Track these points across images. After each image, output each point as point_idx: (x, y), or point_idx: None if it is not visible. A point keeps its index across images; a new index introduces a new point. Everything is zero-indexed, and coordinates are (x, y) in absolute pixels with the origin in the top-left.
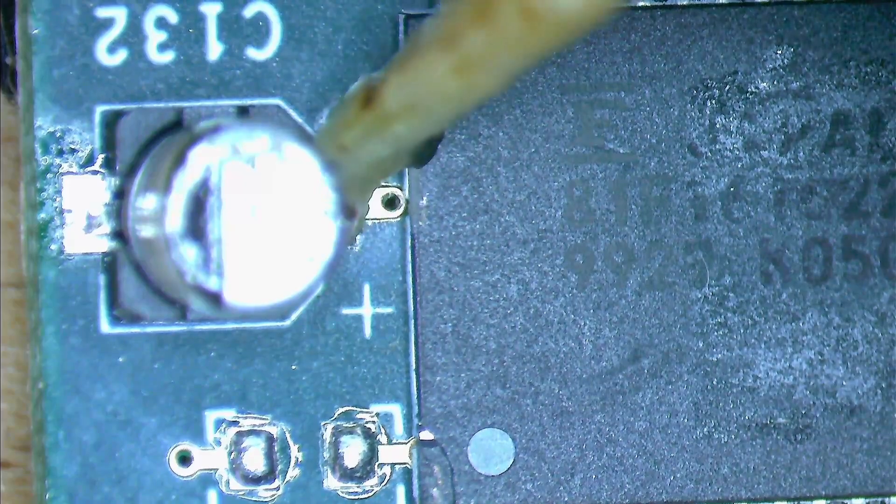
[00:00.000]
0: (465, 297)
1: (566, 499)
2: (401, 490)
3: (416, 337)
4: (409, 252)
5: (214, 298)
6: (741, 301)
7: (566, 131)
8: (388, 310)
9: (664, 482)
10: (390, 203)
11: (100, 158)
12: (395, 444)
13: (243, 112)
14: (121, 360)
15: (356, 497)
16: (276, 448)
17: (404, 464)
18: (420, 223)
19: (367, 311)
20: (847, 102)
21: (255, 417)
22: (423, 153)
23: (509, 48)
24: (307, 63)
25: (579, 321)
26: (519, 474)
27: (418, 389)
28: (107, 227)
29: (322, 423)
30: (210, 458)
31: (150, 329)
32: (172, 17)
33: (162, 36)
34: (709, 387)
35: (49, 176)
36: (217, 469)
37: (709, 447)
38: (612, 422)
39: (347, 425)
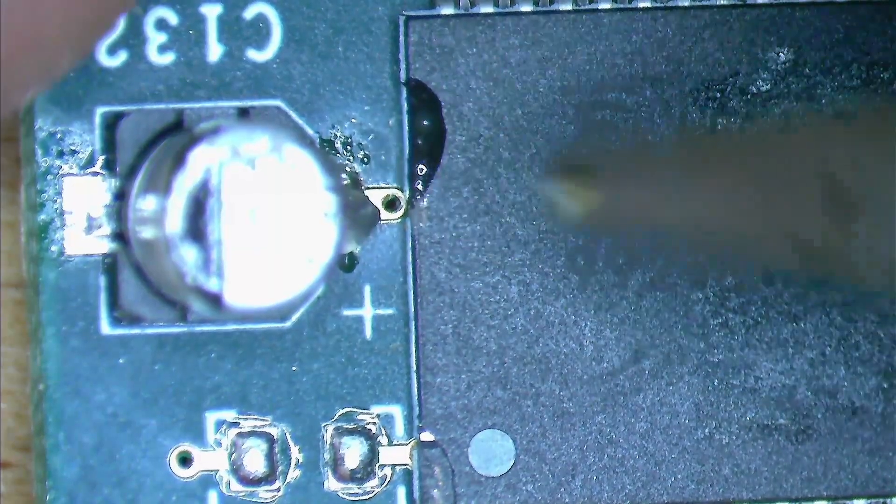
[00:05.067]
0: (466, 299)
1: (567, 500)
2: (401, 491)
3: (416, 338)
4: (409, 253)
5: (214, 300)
6: (742, 301)
7: (567, 133)
8: (389, 311)
9: (665, 483)
10: (391, 204)
11: (100, 160)
12: (396, 445)
13: (243, 113)
14: (121, 361)
15: (357, 498)
16: (276, 449)
17: (405, 465)
18: (421, 224)
19: (367, 312)
20: (848, 103)
21: (255, 419)
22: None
23: None
24: (307, 64)
25: (580, 322)
26: (519, 475)
27: (419, 391)
28: (107, 229)
29: (322, 425)
30: (211, 459)
31: (150, 330)
32: (173, 18)
33: (162, 37)
34: (710, 388)
35: (49, 177)
36: (218, 470)
37: (710, 448)
38: (613, 423)
39: (348, 426)
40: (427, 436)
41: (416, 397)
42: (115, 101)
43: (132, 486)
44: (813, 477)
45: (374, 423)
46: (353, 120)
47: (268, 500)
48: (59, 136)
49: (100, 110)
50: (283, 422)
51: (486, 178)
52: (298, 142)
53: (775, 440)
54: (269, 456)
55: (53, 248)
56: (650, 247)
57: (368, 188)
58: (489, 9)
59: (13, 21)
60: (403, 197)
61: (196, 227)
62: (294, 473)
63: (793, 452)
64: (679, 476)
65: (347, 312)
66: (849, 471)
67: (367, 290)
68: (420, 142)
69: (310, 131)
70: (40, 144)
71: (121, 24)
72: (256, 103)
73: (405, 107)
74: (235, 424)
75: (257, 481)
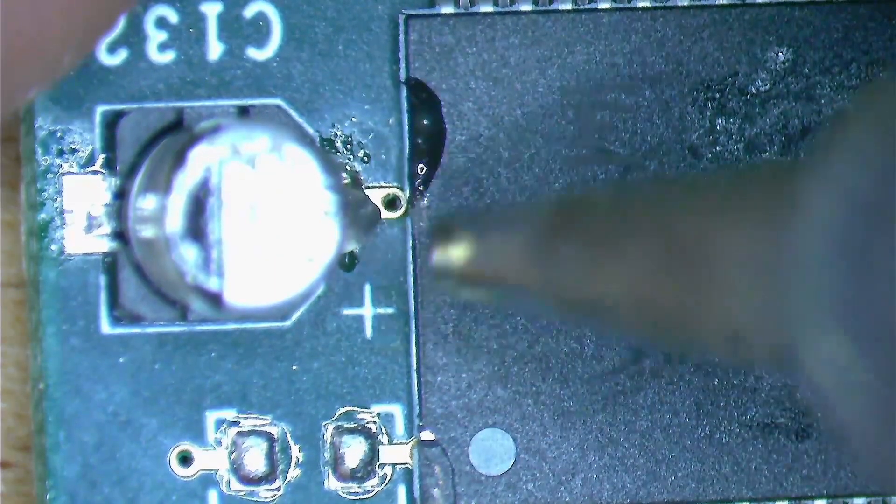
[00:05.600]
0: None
1: (567, 499)
2: (401, 490)
3: (416, 337)
4: (410, 252)
5: (215, 299)
6: None
7: (567, 133)
8: (389, 310)
9: (666, 482)
10: (391, 204)
11: (100, 159)
12: (396, 444)
13: (243, 112)
14: (121, 360)
15: (357, 497)
16: (276, 448)
17: (405, 464)
18: (421, 224)
19: (367, 311)
20: (848, 104)
21: (255, 418)
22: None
23: None
24: (307, 63)
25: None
26: (520, 474)
27: (419, 390)
28: (107, 228)
29: (323, 424)
30: (211, 458)
31: (150, 329)
32: (173, 16)
33: (162, 36)
34: (710, 386)
35: (49, 176)
36: (218, 469)
37: (710, 447)
38: (614, 422)
39: (348, 425)
40: (427, 435)
41: (417, 396)
42: (116, 99)
43: (132, 485)
44: (813, 475)
45: (375, 422)
46: (353, 119)
47: (268, 499)
48: (59, 134)
49: (100, 109)
50: (284, 421)
51: (486, 178)
52: (298, 141)
53: (775, 439)
54: (270, 455)
55: (53, 247)
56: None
57: (369, 187)
58: (489, 8)
59: (14, 22)
60: (403, 196)
61: (196, 227)
62: (294, 472)
63: (793, 451)
64: (679, 475)
65: (348, 312)
66: (849, 469)
67: (367, 289)
68: (420, 141)
69: (310, 130)
70: (40, 143)
71: (121, 23)
72: (256, 102)
73: (405, 106)
74: (235, 423)
75: (257, 480)
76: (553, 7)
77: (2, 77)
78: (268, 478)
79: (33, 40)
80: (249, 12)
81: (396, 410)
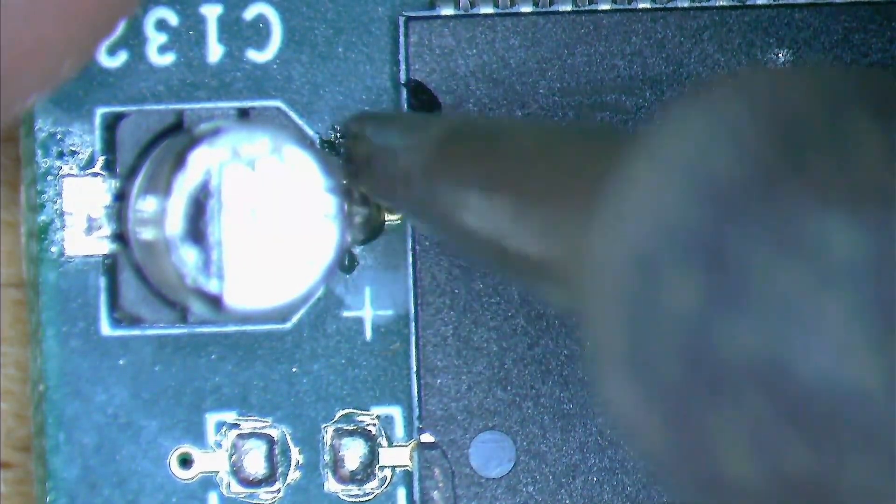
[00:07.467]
0: (467, 300)
1: (567, 501)
2: (401, 493)
3: (416, 339)
4: (410, 254)
5: (215, 301)
6: None
7: None
8: (389, 312)
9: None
10: None
11: (100, 161)
12: (396, 446)
13: (244, 114)
14: (121, 362)
15: (357, 499)
16: (276, 451)
17: (405, 466)
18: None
19: (367, 313)
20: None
21: (255, 420)
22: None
23: None
24: (308, 65)
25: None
26: (520, 477)
27: (419, 392)
28: (107, 230)
29: (322, 426)
30: (211, 460)
31: (150, 331)
32: (173, 18)
33: (162, 38)
34: None
35: (49, 178)
36: (218, 472)
37: None
38: (614, 424)
39: (348, 428)
40: (427, 437)
41: (417, 398)
42: (116, 101)
43: (132, 487)
44: None
45: (374, 425)
46: None
47: (268, 502)
48: (59, 136)
49: (100, 111)
50: (284, 423)
51: None
52: (299, 143)
53: None
54: (270, 457)
55: (53, 248)
56: None
57: None
58: (489, 10)
59: (13, 28)
60: None
61: (196, 229)
62: (294, 475)
63: None
64: None
65: (347, 314)
66: None
67: (367, 291)
68: None
69: (310, 132)
70: (40, 145)
71: (121, 26)
72: (256, 104)
73: (405, 108)
74: (236, 426)
75: (257, 483)
76: (553, 8)
77: (1, 84)
78: (268, 480)
79: (33, 47)
80: (249, 14)
81: (396, 413)
